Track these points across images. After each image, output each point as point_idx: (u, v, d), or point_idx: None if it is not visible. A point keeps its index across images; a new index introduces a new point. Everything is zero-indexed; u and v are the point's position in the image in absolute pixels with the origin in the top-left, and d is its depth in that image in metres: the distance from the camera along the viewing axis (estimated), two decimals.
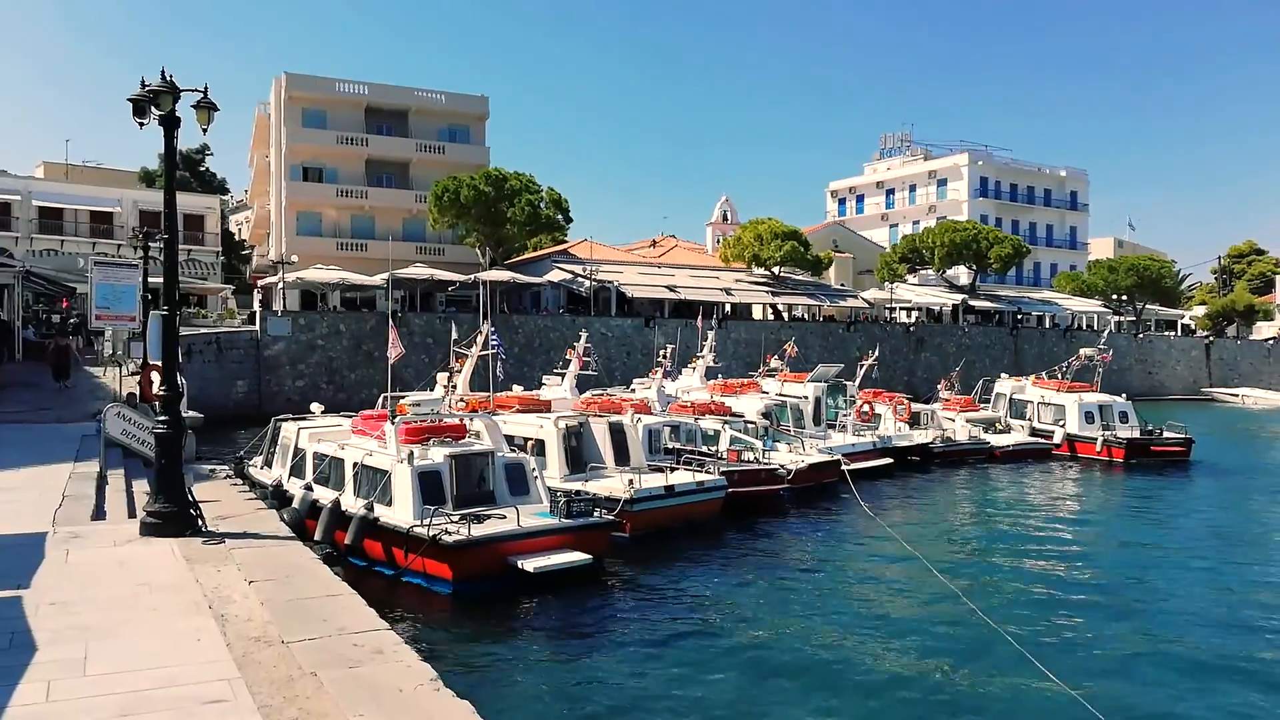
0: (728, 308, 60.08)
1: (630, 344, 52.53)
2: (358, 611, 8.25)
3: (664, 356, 31.08)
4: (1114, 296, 77.26)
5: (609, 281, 55.16)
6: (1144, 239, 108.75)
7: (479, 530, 14.75)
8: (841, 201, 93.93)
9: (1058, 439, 32.94)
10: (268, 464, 20.62)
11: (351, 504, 16.26)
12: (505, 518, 15.40)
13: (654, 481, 18.47)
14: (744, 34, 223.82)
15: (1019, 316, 72.07)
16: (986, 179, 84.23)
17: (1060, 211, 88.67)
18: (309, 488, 17.30)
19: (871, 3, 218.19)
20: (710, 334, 32.41)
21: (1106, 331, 52.41)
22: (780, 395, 28.81)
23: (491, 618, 13.98)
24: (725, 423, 24.70)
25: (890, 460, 27.93)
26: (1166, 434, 32.34)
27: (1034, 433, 33.91)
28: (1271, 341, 79.45)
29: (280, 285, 47.68)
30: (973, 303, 70.90)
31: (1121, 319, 78.59)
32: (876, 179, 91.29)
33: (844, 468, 24.59)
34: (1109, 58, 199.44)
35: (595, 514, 16.09)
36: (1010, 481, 28.12)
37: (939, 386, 38.52)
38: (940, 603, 14.68)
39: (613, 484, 18.28)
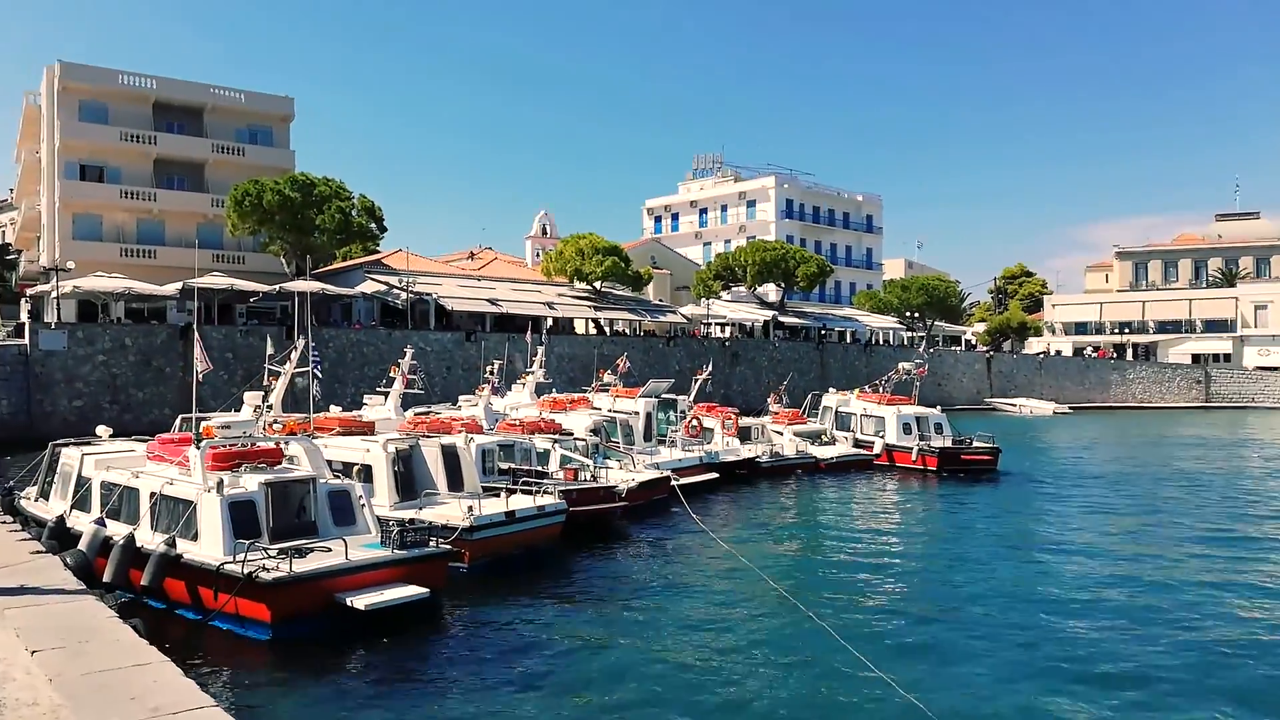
0: (550, 322, 59.54)
1: (451, 359, 50.86)
2: (174, 685, 6.94)
3: (491, 372, 30.12)
4: (907, 314, 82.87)
5: (427, 294, 53.22)
6: (930, 260, 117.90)
7: (301, 565, 13.38)
8: (658, 219, 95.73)
9: (878, 449, 34.29)
10: (44, 495, 18.09)
11: (149, 539, 14.39)
12: (331, 551, 14.09)
13: (494, 507, 17.54)
14: (563, 49, 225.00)
15: (824, 332, 75.83)
16: (792, 201, 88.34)
17: (858, 234, 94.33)
18: (100, 522, 15.16)
19: (685, 26, 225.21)
20: (540, 349, 31.66)
21: (924, 345, 55.74)
22: (612, 411, 28.49)
23: (317, 664, 12.66)
24: (555, 441, 24.06)
25: (716, 475, 28.08)
26: (976, 444, 34.01)
27: (857, 444, 35.15)
28: (1042, 356, 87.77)
29: (54, 294, 42.67)
30: (782, 319, 73.98)
31: (914, 334, 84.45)
32: (691, 198, 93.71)
33: (674, 483, 24.49)
34: (904, 87, 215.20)
35: (431, 544, 15.02)
36: (833, 492, 29.09)
37: (769, 400, 39.42)
38: (779, 613, 14.94)
39: (449, 511, 17.21)
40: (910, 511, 26.33)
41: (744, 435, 32.60)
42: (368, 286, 53.80)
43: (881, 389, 36.44)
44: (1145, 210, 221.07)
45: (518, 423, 24.71)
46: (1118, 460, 40.61)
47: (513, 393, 30.75)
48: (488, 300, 56.38)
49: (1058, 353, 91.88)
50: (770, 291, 76.74)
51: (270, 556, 13.36)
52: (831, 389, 40.83)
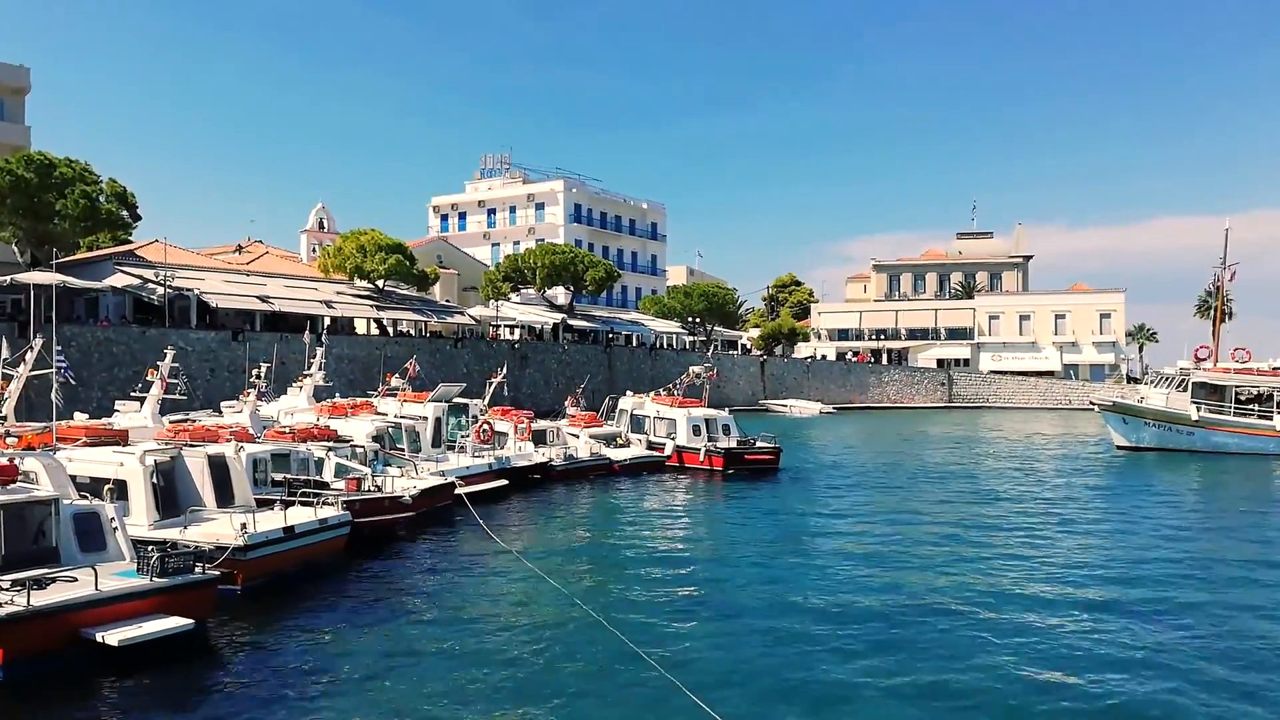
0: (327, 322, 56.55)
1: (215, 360, 47.06)
2: None
3: (258, 376, 28.14)
4: (689, 319, 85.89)
5: (188, 289, 49.00)
6: (709, 268, 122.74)
7: (41, 598, 11.76)
8: (444, 217, 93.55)
9: (669, 451, 34.94)
10: None
11: None
12: (76, 580, 12.48)
13: (270, 523, 16.19)
14: (344, 32, 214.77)
15: (611, 336, 77.05)
16: (580, 206, 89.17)
17: (643, 240, 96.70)
18: None
19: (469, 27, 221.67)
20: (319, 350, 29.80)
21: (712, 350, 57.35)
22: (399, 417, 27.33)
23: (58, 710, 11.15)
24: (329, 448, 22.71)
25: (505, 481, 27.56)
26: (760, 444, 35.23)
27: (651, 446, 35.66)
28: (809, 360, 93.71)
29: None
30: (571, 322, 74.47)
31: (696, 339, 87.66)
32: (479, 198, 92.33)
33: (459, 491, 23.77)
34: (687, 104, 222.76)
35: (196, 569, 13.64)
36: (623, 494, 29.39)
37: (566, 403, 39.18)
38: (566, 615, 14.97)
39: (218, 528, 15.69)
40: (693, 511, 27.05)
41: (540, 439, 32.29)
42: (118, 280, 48.77)
43: (675, 392, 37.20)
44: (899, 227, 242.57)
45: (288, 430, 23.03)
46: (880, 456, 43.90)
47: (288, 396, 28.79)
48: (257, 297, 52.69)
49: (823, 357, 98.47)
50: (559, 294, 77.01)
51: (2, 589, 11.66)
52: (629, 391, 41.35)
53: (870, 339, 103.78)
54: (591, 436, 34.31)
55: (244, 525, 15.41)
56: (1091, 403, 52.83)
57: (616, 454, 34.04)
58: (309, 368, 29.30)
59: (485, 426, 29.69)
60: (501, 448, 29.96)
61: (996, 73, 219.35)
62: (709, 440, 34.55)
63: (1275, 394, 45.16)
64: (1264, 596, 17.38)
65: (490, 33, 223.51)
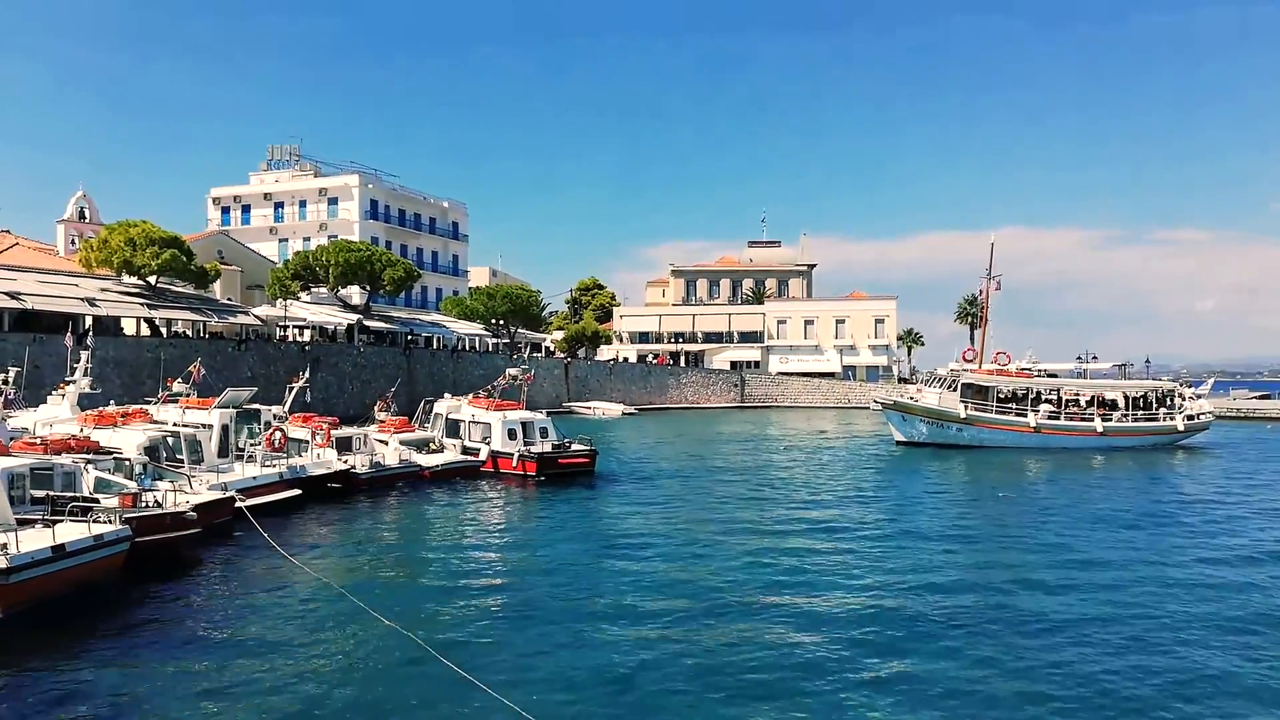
0: (89, 321, 51.32)
1: None
2: None
3: (4, 381, 25.17)
4: (493, 321, 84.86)
5: None
6: (512, 270, 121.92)
7: None
8: (225, 210, 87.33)
9: (483, 456, 33.88)
10: None
11: None
12: None
13: (36, 542, 14.46)
14: (107, 11, 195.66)
15: (411, 337, 74.78)
16: (377, 202, 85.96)
17: (444, 240, 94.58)
18: None
19: (256, 13, 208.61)
20: (84, 354, 26.90)
21: (515, 354, 56.60)
22: (180, 424, 25.10)
23: None
24: (88, 462, 20.43)
25: (298, 491, 25.85)
26: (575, 447, 34.35)
27: (465, 451, 34.44)
28: (612, 362, 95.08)
29: None
30: (367, 323, 71.56)
31: (499, 341, 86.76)
32: (265, 190, 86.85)
33: (239, 504, 21.91)
34: (492, 105, 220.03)
35: None
36: (431, 502, 28.45)
37: (376, 408, 37.19)
38: (362, 627, 14.52)
39: None
40: (499, 518, 26.35)
41: (346, 446, 30.55)
42: None
43: (494, 395, 36.08)
44: (696, 235, 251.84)
45: (39, 441, 20.53)
46: (687, 456, 44.97)
47: (48, 405, 25.84)
48: (6, 294, 47.05)
49: (625, 359, 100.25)
50: (354, 294, 73.86)
51: None
52: (448, 394, 40.00)
53: (669, 342, 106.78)
54: (403, 443, 32.79)
55: (3, 546, 13.69)
56: (875, 402, 57.00)
57: (427, 460, 32.68)
58: (71, 372, 26.35)
59: (277, 434, 27.76)
60: (298, 456, 28.17)
61: (785, 92, 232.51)
62: (525, 444, 33.73)
63: (1029, 393, 50.81)
64: (1017, 559, 19.52)
65: (279, 18, 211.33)
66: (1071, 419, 49.87)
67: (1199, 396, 55.97)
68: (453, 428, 35.77)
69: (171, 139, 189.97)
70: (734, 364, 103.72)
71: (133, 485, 20.01)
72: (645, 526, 24.81)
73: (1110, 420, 50.08)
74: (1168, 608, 16.47)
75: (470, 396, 37.21)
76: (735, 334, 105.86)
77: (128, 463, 21.46)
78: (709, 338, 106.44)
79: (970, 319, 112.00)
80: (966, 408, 49.62)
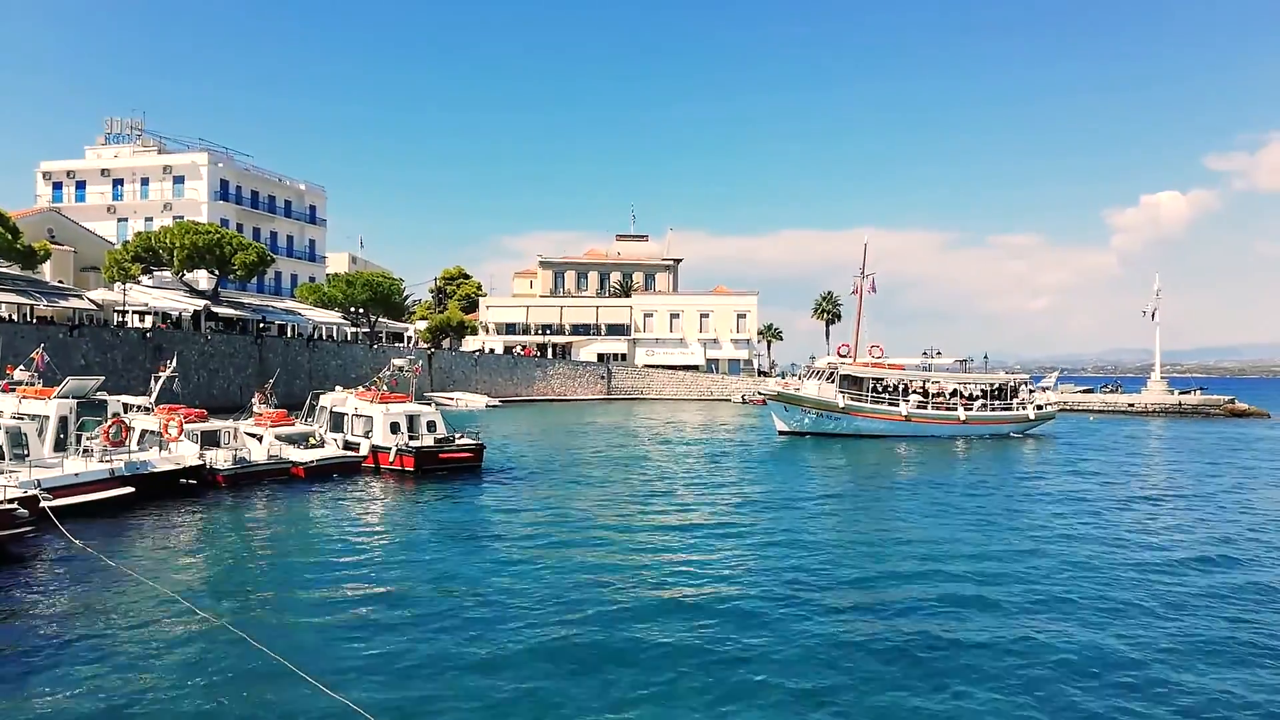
0: None
1: None
2: None
3: None
4: (351, 309, 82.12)
5: None
6: (375, 258, 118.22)
7: None
8: (57, 186, 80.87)
9: (364, 451, 32.29)
10: None
11: None
12: None
13: None
14: None
15: (263, 325, 71.51)
16: (228, 182, 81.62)
17: (300, 224, 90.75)
18: None
19: None
20: None
21: (414, 344, 54.61)
22: (15, 415, 23.13)
23: None
24: None
25: (130, 489, 23.90)
26: (459, 441, 32.84)
27: (347, 446, 32.79)
28: (478, 353, 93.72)
29: None
30: (215, 309, 68.02)
31: (358, 330, 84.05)
32: (102, 165, 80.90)
33: (45, 504, 19.80)
34: (356, 89, 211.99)
35: None
36: (296, 500, 26.66)
37: (254, 399, 34.87)
38: (195, 636, 13.75)
39: None
40: (366, 516, 24.95)
41: (212, 440, 28.64)
42: None
43: (383, 388, 34.29)
44: (565, 226, 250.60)
45: None
46: (561, 448, 44.57)
47: None
48: None
49: (491, 351, 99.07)
50: (201, 279, 70.01)
51: None
52: (339, 387, 38.04)
53: (537, 333, 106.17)
54: (278, 437, 30.85)
55: None
56: (759, 394, 59.40)
57: (301, 455, 30.66)
58: None
59: (115, 426, 25.77)
60: (147, 451, 26.32)
61: (655, 94, 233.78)
62: (410, 438, 32.10)
63: (901, 384, 54.36)
64: (884, 532, 20.61)
65: None
66: (938, 409, 53.73)
67: (1046, 389, 62.35)
68: (336, 421, 33.94)
69: None
70: (601, 356, 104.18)
71: None
72: (526, 523, 23.76)
73: (971, 410, 54.36)
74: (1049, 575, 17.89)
75: (358, 389, 35.33)
76: (603, 326, 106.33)
77: None
78: (576, 330, 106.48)
79: (827, 315, 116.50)
80: (844, 398, 52.09)
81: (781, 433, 53.02)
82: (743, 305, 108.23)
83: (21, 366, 27.64)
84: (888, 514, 26.41)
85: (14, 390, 25.75)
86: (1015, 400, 56.35)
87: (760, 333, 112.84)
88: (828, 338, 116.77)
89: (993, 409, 55.33)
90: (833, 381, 52.87)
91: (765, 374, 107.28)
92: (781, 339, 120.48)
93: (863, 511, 26.98)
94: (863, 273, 57.69)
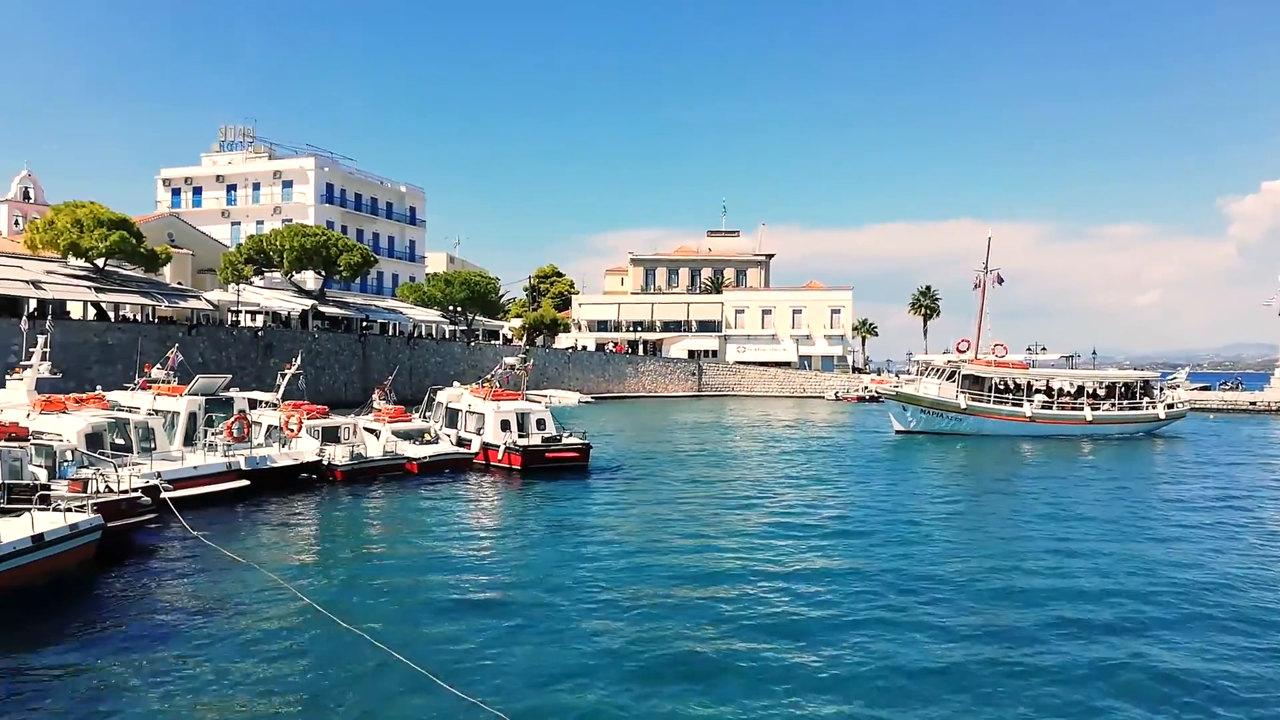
0: (33, 304, 49.81)
1: None
2: None
3: None
4: (449, 307, 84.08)
5: None
6: (470, 258, 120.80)
7: None
8: (176, 192, 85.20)
9: (475, 448, 32.64)
10: None
11: None
12: None
13: (17, 531, 14.08)
14: None
15: (365, 324, 73.84)
16: (333, 186, 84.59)
17: (401, 225, 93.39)
18: None
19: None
20: (40, 338, 26.02)
21: (509, 341, 55.61)
22: (151, 411, 24.47)
23: None
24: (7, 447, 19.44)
25: (245, 482, 24.80)
26: (565, 440, 32.59)
27: (459, 442, 33.27)
28: (570, 350, 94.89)
29: None
30: (322, 308, 70.53)
31: (456, 328, 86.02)
32: (217, 172, 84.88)
33: (165, 495, 20.57)
34: (453, 95, 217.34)
35: None
36: (407, 495, 27.17)
37: (374, 396, 35.93)
38: (313, 624, 13.97)
39: None
40: (474, 513, 25.18)
41: (332, 436, 29.46)
42: None
43: (495, 384, 34.73)
44: (656, 223, 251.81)
45: None
46: (663, 446, 44.28)
47: (7, 390, 25.02)
48: None
49: (583, 348, 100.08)
50: (309, 279, 72.68)
51: None
52: (457, 383, 39.08)
53: (628, 330, 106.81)
54: (395, 433, 31.58)
55: None
56: (878, 393, 58.76)
57: (415, 451, 31.30)
58: (27, 356, 25.50)
59: (239, 422, 26.94)
60: (268, 446, 27.45)
61: (744, 87, 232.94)
62: (520, 436, 32.23)
63: (1026, 384, 52.79)
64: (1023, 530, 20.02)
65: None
66: (1063, 408, 52.13)
67: (1176, 387, 59.82)
68: (451, 417, 34.49)
69: (119, 116, 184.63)
70: (691, 353, 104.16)
71: (39, 472, 19.15)
72: (632, 523, 23.28)
73: (1098, 409, 52.56)
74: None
75: (472, 386, 35.84)
76: (693, 323, 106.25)
77: (52, 449, 20.53)
78: (667, 326, 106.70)
79: (924, 310, 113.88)
80: (965, 398, 51.11)
81: (898, 432, 52.11)
82: (837, 300, 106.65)
83: (158, 365, 29.19)
84: (1015, 521, 24.84)
85: (150, 387, 27.22)
86: (1145, 399, 54.18)
87: (854, 328, 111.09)
88: (925, 333, 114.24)
89: (1121, 408, 53.30)
90: (953, 380, 51.70)
91: (860, 370, 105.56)
92: (876, 335, 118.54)
93: (989, 518, 25.58)
94: (985, 267, 55.40)
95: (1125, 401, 53.62)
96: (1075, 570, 18.64)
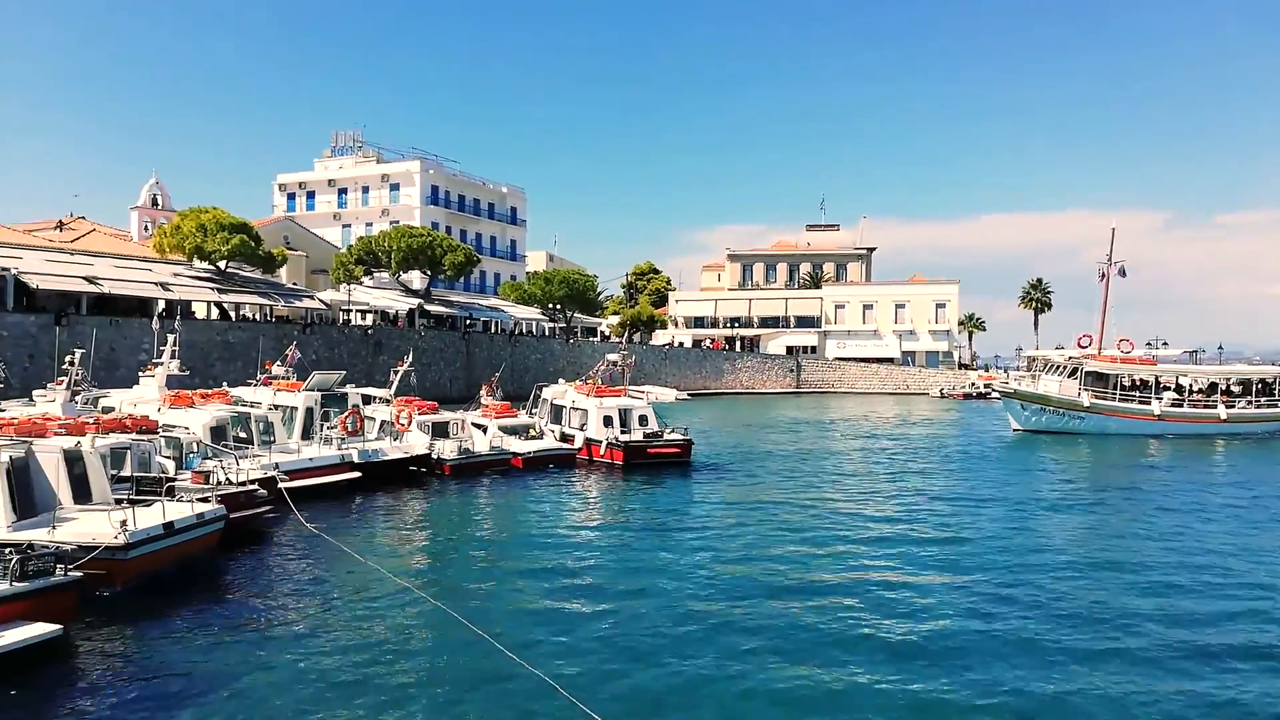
0: (161, 305, 52.71)
1: (35, 346, 43.13)
2: None
3: (70, 362, 25.87)
4: (549, 305, 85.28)
5: (3, 268, 44.59)
6: (569, 254, 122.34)
7: None
8: (291, 196, 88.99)
9: (578, 443, 32.86)
10: None
11: None
12: None
13: (150, 519, 14.94)
14: (173, 5, 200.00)
15: (469, 322, 75.55)
16: (437, 188, 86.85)
17: (503, 225, 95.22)
18: None
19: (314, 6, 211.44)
20: (170, 337, 27.53)
21: (607, 338, 55.83)
22: (270, 406, 25.62)
23: None
24: (134, 440, 20.38)
25: (356, 474, 25.54)
26: (667, 436, 32.54)
27: (563, 438, 33.78)
28: (667, 346, 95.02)
29: None
30: (427, 307, 72.51)
31: (555, 325, 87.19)
32: (329, 176, 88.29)
33: (281, 486, 21.43)
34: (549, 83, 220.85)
35: (58, 571, 12.42)
36: (513, 489, 27.62)
37: (481, 392, 36.91)
38: (423, 613, 14.27)
39: (87, 527, 14.32)
40: (578, 508, 25.32)
41: (441, 431, 30.36)
42: None
43: (598, 380, 35.08)
44: (752, 218, 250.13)
45: (93, 420, 20.56)
46: (752, 442, 43.79)
47: (140, 386, 26.60)
48: (84, 278, 48.51)
49: (680, 344, 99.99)
50: (415, 279, 74.81)
51: None
52: (561, 380, 39.76)
53: (725, 326, 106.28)
54: (501, 429, 32.30)
55: (124, 523, 14.14)
56: (996, 391, 57.10)
57: (520, 446, 31.91)
58: (158, 355, 27.02)
59: (352, 417, 27.91)
60: (380, 440, 28.32)
61: (841, 74, 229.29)
62: (622, 431, 32.54)
63: (1154, 380, 50.33)
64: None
65: (341, 7, 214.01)
66: (1195, 406, 49.97)
67: None
68: (555, 413, 34.99)
69: (239, 126, 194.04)
70: (790, 349, 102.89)
71: (167, 463, 20.09)
72: (734, 522, 22.91)
73: (1234, 407, 50.13)
74: None
75: (576, 382, 36.26)
76: (791, 319, 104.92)
77: (178, 442, 21.56)
78: (765, 322, 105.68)
79: (1036, 304, 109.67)
80: (1089, 395, 49.21)
81: (1016, 430, 50.43)
82: (942, 294, 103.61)
83: (278, 363, 30.51)
84: (1174, 533, 22.69)
85: (271, 384, 28.50)
86: None
87: (961, 323, 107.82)
88: (1036, 328, 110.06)
89: (1258, 405, 50.49)
90: (1074, 378, 49.64)
91: (966, 366, 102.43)
92: (984, 329, 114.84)
93: (1133, 527, 23.59)
94: (1109, 259, 52.76)
95: (1263, 399, 50.77)
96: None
